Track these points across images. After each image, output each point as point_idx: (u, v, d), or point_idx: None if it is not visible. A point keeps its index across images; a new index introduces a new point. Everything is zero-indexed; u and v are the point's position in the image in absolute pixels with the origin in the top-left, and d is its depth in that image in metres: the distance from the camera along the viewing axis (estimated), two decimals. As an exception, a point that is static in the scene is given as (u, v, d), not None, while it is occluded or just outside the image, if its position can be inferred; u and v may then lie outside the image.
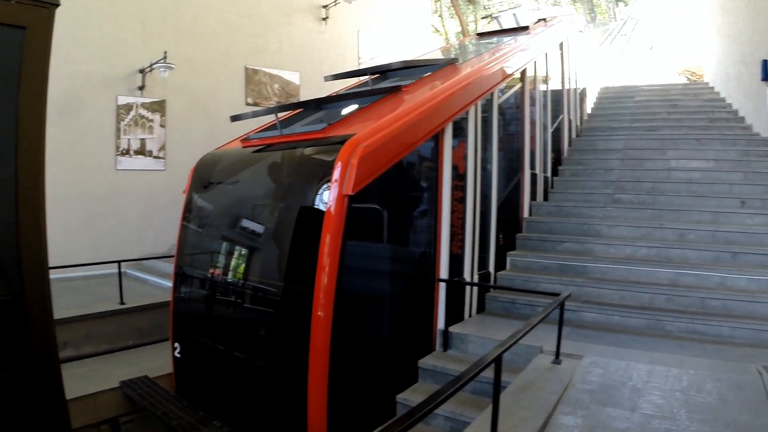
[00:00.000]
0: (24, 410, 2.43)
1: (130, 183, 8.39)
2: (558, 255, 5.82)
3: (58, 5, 2.59)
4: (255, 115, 4.87)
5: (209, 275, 4.45)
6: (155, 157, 8.72)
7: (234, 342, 4.11)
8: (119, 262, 5.92)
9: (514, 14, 10.75)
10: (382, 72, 6.15)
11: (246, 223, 4.32)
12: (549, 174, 7.52)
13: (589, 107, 10.79)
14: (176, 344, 4.62)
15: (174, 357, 4.64)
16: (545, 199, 7.17)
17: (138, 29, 8.52)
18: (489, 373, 3.99)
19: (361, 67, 10.71)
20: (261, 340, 3.94)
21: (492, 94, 5.52)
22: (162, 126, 8.78)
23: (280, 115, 4.61)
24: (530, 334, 4.24)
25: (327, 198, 3.42)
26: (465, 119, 4.97)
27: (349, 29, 11.69)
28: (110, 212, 8.13)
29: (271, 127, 4.86)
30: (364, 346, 3.96)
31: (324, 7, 11.14)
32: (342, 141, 3.58)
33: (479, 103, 5.14)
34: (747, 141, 7.73)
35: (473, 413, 3.48)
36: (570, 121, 8.83)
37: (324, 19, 11.19)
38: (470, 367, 2.27)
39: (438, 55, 8.34)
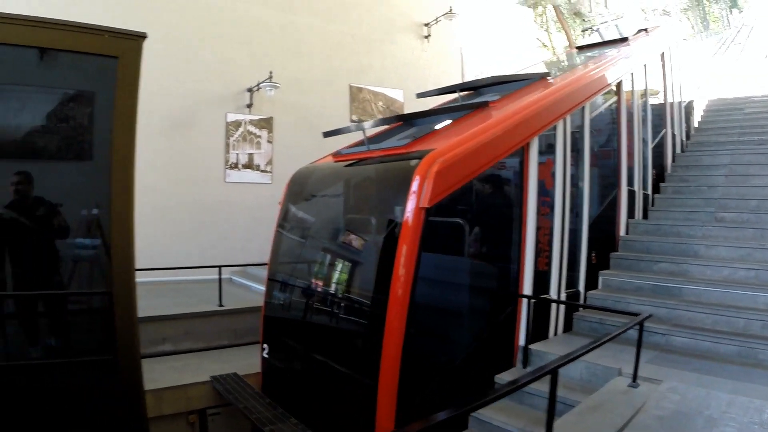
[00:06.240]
0: (104, 393, 2.74)
1: (238, 195, 8.89)
2: (652, 275, 5.56)
3: (145, 37, 2.95)
4: (345, 131, 5.10)
5: (297, 282, 4.73)
6: (262, 171, 9.29)
7: (315, 346, 4.30)
8: (220, 267, 6.39)
9: (616, 25, 10.08)
10: (474, 88, 6.23)
11: (332, 234, 4.54)
12: (650, 191, 7.16)
13: (697, 120, 10.04)
14: (265, 345, 4.94)
15: (262, 357, 4.97)
16: (644, 217, 6.86)
17: (246, 50, 9.10)
18: (560, 392, 3.82)
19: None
20: (339, 345, 4.08)
21: (584, 108, 5.37)
22: (269, 142, 9.35)
23: (368, 131, 4.81)
24: (611, 356, 4.23)
25: (405, 210, 3.49)
26: (553, 134, 4.85)
27: (451, 46, 11.88)
28: (218, 222, 8.61)
29: (362, 143, 5.06)
30: (438, 357, 4.00)
31: (426, 25, 11.43)
32: (421, 156, 3.65)
33: (568, 117, 5.02)
34: None
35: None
36: (674, 136, 8.35)
37: (426, 36, 11.47)
38: (523, 376, 2.18)
39: (540, 69, 8.16)
